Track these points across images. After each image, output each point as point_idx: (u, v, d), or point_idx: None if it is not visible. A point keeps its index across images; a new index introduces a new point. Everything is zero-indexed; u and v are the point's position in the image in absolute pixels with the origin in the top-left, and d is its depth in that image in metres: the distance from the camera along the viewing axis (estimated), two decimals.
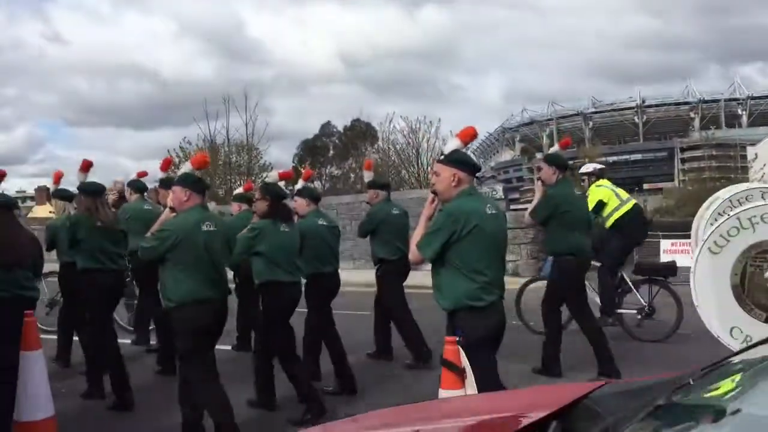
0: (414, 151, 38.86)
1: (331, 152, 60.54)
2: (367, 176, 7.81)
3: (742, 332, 3.51)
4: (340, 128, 60.76)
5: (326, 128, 61.33)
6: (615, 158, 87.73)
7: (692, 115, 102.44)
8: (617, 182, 10.99)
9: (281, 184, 6.35)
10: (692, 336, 6.92)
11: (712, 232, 3.59)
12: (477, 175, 4.23)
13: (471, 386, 3.16)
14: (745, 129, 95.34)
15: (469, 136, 4.02)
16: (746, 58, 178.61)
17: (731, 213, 3.55)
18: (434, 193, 3.93)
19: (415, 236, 3.86)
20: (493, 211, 3.87)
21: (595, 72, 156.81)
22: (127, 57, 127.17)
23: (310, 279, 6.13)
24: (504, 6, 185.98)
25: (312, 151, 59.04)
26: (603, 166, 9.12)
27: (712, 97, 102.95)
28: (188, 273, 4.50)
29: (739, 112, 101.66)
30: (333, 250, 6.38)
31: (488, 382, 3.62)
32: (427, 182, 35.52)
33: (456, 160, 3.88)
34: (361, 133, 56.54)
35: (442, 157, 3.96)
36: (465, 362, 3.26)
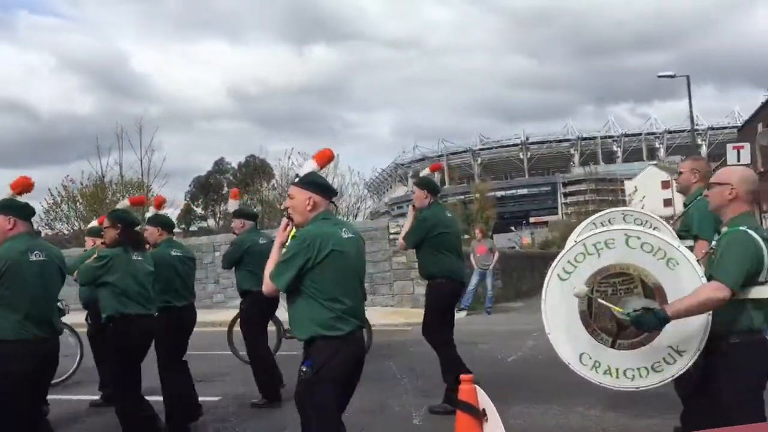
0: None
1: (225, 189, 59.11)
2: (233, 205, 7.61)
3: (591, 358, 3.52)
4: (235, 165, 59.57)
5: (220, 165, 59.99)
6: (503, 193, 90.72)
7: (572, 151, 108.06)
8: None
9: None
10: None
11: (560, 258, 3.58)
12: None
13: (493, 429, 2.85)
14: (620, 164, 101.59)
15: (325, 158, 3.84)
16: (617, 98, 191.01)
17: (578, 239, 3.64)
18: (289, 218, 3.71)
19: (269, 265, 3.61)
20: (350, 236, 3.66)
21: (481, 110, 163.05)
22: (1, 92, 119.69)
23: (160, 313, 5.67)
24: (390, 45, 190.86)
25: (205, 188, 57.47)
26: None
27: (590, 135, 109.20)
28: (11, 308, 3.99)
29: (614, 148, 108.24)
30: (186, 282, 5.99)
31: (325, 422, 3.47)
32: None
33: (311, 182, 3.66)
34: (256, 169, 55.52)
35: (297, 179, 3.76)
36: (484, 402, 2.95)
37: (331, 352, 3.44)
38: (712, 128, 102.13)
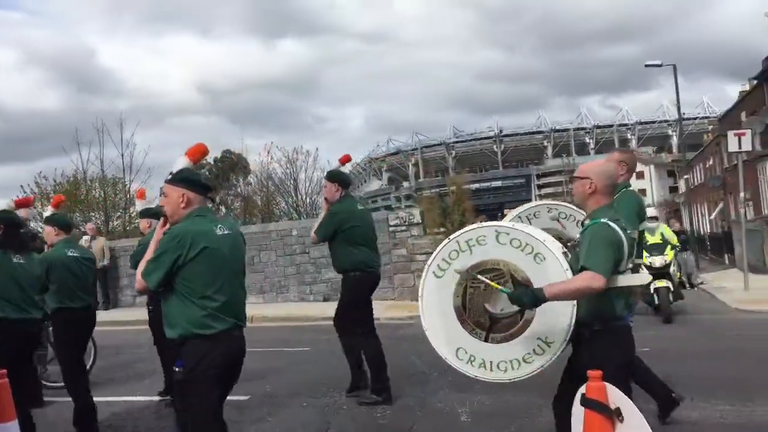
0: (292, 181, 38.09)
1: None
2: (140, 205, 7.54)
3: (466, 353, 3.66)
4: (210, 160, 58.62)
5: None
6: (478, 185, 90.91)
7: (545, 143, 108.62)
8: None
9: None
10: None
11: (435, 256, 3.71)
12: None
13: (631, 429, 2.58)
14: (593, 156, 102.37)
15: (199, 153, 3.85)
16: (588, 90, 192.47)
17: (451, 237, 3.73)
18: (164, 215, 3.69)
19: (142, 263, 3.53)
20: (226, 232, 3.61)
21: (454, 103, 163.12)
22: None
23: (56, 314, 5.57)
24: (361, 39, 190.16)
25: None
26: None
27: (563, 127, 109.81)
28: None
29: (587, 140, 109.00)
30: (83, 283, 5.78)
31: (200, 422, 3.43)
32: (308, 213, 34.98)
33: (184, 179, 3.61)
34: (233, 164, 54.80)
35: (170, 176, 3.66)
36: (618, 400, 2.67)
37: (204, 351, 3.41)
38: (682, 119, 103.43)
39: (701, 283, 16.02)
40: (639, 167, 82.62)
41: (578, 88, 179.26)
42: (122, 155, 27.33)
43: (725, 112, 36.41)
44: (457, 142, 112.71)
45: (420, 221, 14.55)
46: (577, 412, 2.84)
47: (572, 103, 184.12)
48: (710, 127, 66.55)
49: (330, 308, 6.76)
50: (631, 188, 5.06)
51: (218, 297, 3.46)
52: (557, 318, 3.42)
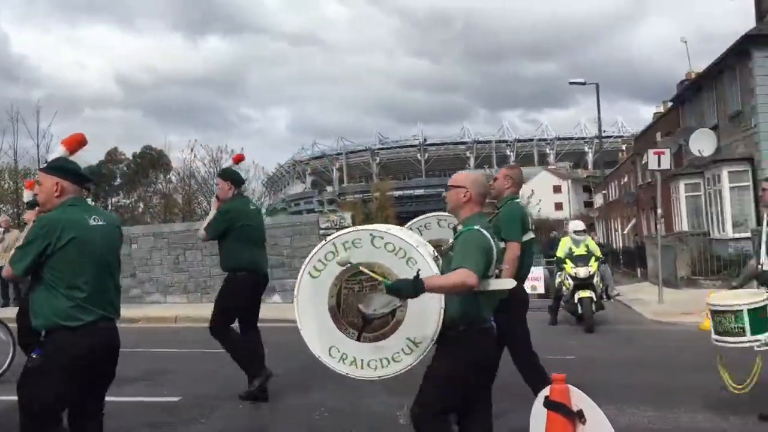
0: (215, 180, 37.30)
1: (118, 180, 56.38)
2: (27, 196, 7.24)
3: (339, 351, 3.82)
4: (129, 155, 56.90)
5: (113, 155, 57.03)
6: (401, 192, 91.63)
7: (468, 154, 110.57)
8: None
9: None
10: None
11: (312, 257, 3.84)
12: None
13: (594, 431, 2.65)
14: None
15: (75, 143, 3.80)
16: (510, 104, 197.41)
17: (328, 239, 3.86)
18: (38, 204, 3.77)
19: (15, 251, 3.55)
20: (100, 223, 3.62)
21: (379, 109, 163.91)
22: None
23: None
24: (287, 40, 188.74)
25: (96, 178, 54.48)
26: None
27: (485, 139, 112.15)
28: None
29: (508, 152, 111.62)
30: None
31: (37, 415, 3.35)
32: None
33: (59, 168, 3.62)
34: (153, 161, 53.29)
35: (45, 165, 3.76)
36: (581, 402, 2.74)
37: (66, 342, 3.37)
38: (597, 137, 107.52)
39: (617, 294, 16.63)
40: (557, 182, 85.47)
41: (501, 101, 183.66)
42: (38, 146, 26.14)
43: (641, 132, 38.01)
44: (381, 148, 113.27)
45: (351, 224, 14.57)
46: (539, 413, 2.89)
47: (495, 116, 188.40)
48: (624, 146, 69.29)
49: (261, 309, 6.62)
50: (517, 200, 5.31)
51: (86, 288, 3.42)
52: (426, 320, 3.54)
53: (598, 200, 47.92)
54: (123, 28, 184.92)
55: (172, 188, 44.79)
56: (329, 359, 3.82)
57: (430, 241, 4.21)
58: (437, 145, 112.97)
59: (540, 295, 15.41)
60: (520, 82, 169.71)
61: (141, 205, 53.31)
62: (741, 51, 19.03)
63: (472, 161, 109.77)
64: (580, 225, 12.56)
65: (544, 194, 68.13)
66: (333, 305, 3.77)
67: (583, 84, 25.25)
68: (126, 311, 13.75)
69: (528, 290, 14.90)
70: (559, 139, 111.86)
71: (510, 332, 5.03)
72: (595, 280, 11.49)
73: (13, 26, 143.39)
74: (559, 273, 12.38)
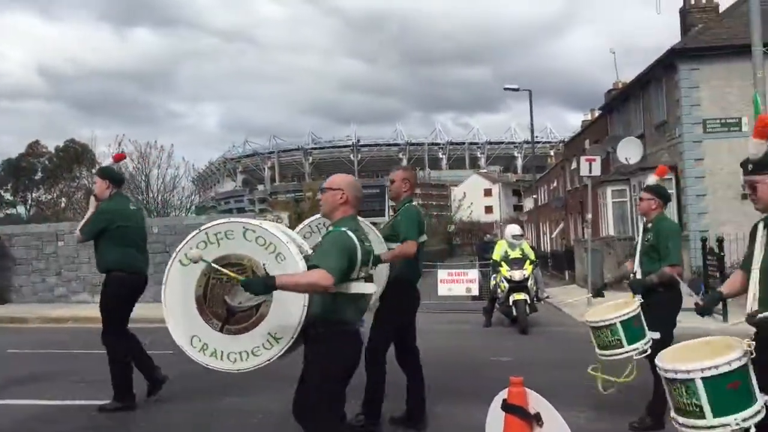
0: (144, 177, 36.29)
1: (39, 175, 54.15)
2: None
3: (200, 341, 3.83)
4: (52, 149, 54.74)
5: (34, 147, 54.75)
6: None
7: (401, 156, 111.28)
8: None
9: None
10: None
11: (183, 245, 3.87)
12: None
13: None
14: (445, 171, 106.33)
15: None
16: (443, 107, 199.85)
17: (201, 228, 3.89)
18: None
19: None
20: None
21: (313, 109, 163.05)
22: None
23: None
24: (220, 36, 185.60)
25: (16, 172, 52.26)
26: None
27: (418, 141, 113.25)
28: None
29: (440, 155, 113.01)
30: None
31: None
32: (159, 211, 33.50)
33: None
34: (77, 155, 51.39)
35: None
36: (538, 405, 2.77)
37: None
38: (527, 142, 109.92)
39: (547, 297, 17.04)
40: (487, 185, 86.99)
41: (434, 104, 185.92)
42: None
43: (570, 139, 39.09)
44: (314, 148, 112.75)
45: (288, 224, 14.39)
46: (497, 416, 2.92)
47: (428, 119, 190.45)
48: (553, 151, 71.09)
49: None
50: (413, 203, 5.47)
51: None
52: (289, 316, 3.59)
53: (528, 204, 49.00)
54: (46, 17, 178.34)
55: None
56: (190, 348, 3.84)
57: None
58: (370, 146, 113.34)
59: (474, 297, 15.61)
60: (453, 85, 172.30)
61: (63, 200, 51.36)
62: (667, 64, 19.81)
63: (404, 163, 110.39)
64: (517, 230, 12.80)
65: (475, 197, 69.37)
66: (200, 295, 3.80)
67: (517, 90, 25.79)
68: (52, 311, 13.49)
69: (463, 292, 15.23)
70: (490, 143, 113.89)
71: (381, 327, 5.28)
72: (530, 283, 11.74)
73: None
74: (494, 275, 12.58)
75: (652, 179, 6.14)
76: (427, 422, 5.47)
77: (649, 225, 5.74)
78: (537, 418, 2.81)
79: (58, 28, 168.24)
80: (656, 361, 3.03)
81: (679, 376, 2.93)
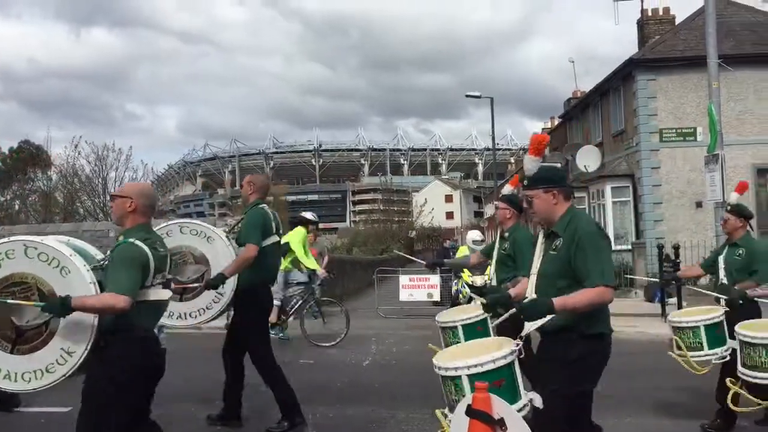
0: (101, 180, 35.57)
1: None
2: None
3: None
4: (5, 150, 53.27)
5: None
6: (294, 198, 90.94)
7: (363, 161, 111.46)
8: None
9: None
10: None
11: None
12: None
13: None
14: (407, 177, 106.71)
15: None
16: (405, 113, 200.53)
17: None
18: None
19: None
20: None
21: (274, 113, 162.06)
22: None
23: None
24: (179, 38, 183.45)
25: None
26: None
27: (380, 146, 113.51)
28: None
29: (402, 161, 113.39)
30: None
31: None
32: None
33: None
34: (30, 156, 50.11)
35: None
36: (502, 411, 2.76)
37: None
38: (488, 149, 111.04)
39: None
40: (448, 191, 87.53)
41: (395, 110, 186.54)
42: None
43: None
44: (276, 152, 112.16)
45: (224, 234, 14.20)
46: (460, 421, 2.90)
47: (390, 124, 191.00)
48: (513, 158, 71.79)
49: None
50: (261, 206, 5.52)
51: None
52: (80, 330, 3.55)
53: (489, 210, 49.43)
54: (2, 13, 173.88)
55: (52, 186, 42.34)
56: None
57: (173, 248, 4.46)
58: (332, 151, 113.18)
59: (436, 303, 15.64)
60: (415, 92, 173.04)
61: (17, 203, 50.05)
62: (626, 74, 20.19)
63: (366, 168, 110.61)
64: (478, 235, 12.87)
65: (436, 203, 69.62)
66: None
67: (479, 97, 26.03)
68: None
69: (424, 297, 15.26)
70: (451, 149, 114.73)
71: (245, 336, 5.45)
72: None
73: None
74: (455, 281, 12.63)
75: (507, 189, 6.26)
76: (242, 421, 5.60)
77: (506, 234, 5.80)
78: (501, 424, 2.79)
79: (13, 27, 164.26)
80: (433, 359, 3.13)
81: (448, 373, 3.04)
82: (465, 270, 11.95)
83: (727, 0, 20.41)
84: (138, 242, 3.57)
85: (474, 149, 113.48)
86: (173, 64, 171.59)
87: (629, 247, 19.29)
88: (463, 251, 12.47)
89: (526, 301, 3.23)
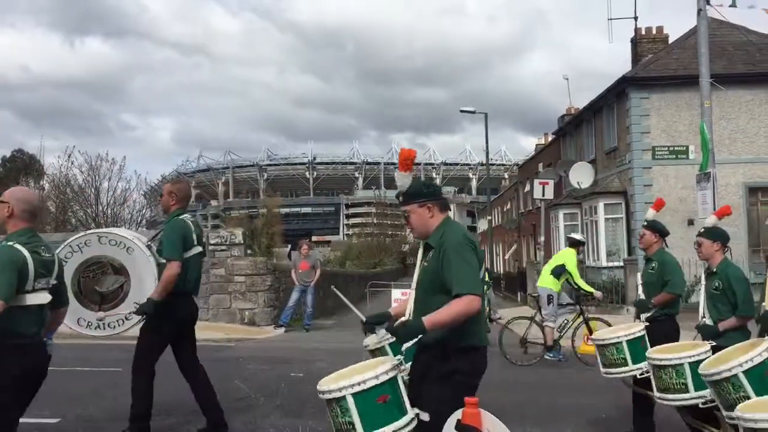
0: (94, 190, 35.47)
1: None
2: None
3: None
4: None
5: None
6: (288, 210, 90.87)
7: (357, 174, 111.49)
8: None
9: None
10: None
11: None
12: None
13: None
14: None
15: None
16: (399, 127, 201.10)
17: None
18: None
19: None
20: None
21: (268, 125, 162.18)
22: None
23: None
24: (174, 48, 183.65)
25: None
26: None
27: (374, 160, 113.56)
28: None
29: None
30: None
31: None
32: (108, 224, 32.81)
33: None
34: (22, 165, 49.99)
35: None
36: (492, 426, 2.77)
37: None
38: (482, 164, 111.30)
39: (499, 318, 17.16)
40: None
41: (390, 124, 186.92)
42: None
43: (524, 162, 39.70)
44: (270, 165, 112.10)
45: (242, 242, 14.23)
46: None
47: (384, 138, 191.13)
48: (507, 174, 72.00)
49: None
50: (181, 216, 5.43)
51: None
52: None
53: (483, 225, 49.49)
54: None
55: (44, 195, 42.21)
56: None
57: (90, 258, 5.20)
58: (326, 164, 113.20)
59: None
60: (410, 106, 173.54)
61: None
62: (619, 91, 20.34)
63: (360, 182, 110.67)
64: None
65: None
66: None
67: (473, 113, 26.14)
68: None
69: None
70: (445, 164, 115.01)
71: (144, 336, 5.29)
72: (484, 303, 11.80)
73: None
74: None
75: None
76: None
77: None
78: None
79: (7, 35, 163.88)
80: (318, 385, 3.03)
81: (333, 395, 2.92)
82: None
83: (720, 20, 20.63)
84: (17, 245, 3.60)
85: (468, 164, 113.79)
86: (168, 75, 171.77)
87: (621, 263, 19.35)
88: None
89: (397, 323, 3.19)
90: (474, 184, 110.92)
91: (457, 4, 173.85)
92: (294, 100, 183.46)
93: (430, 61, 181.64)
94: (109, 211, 34.50)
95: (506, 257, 41.01)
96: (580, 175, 21.15)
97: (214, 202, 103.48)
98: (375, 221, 71.25)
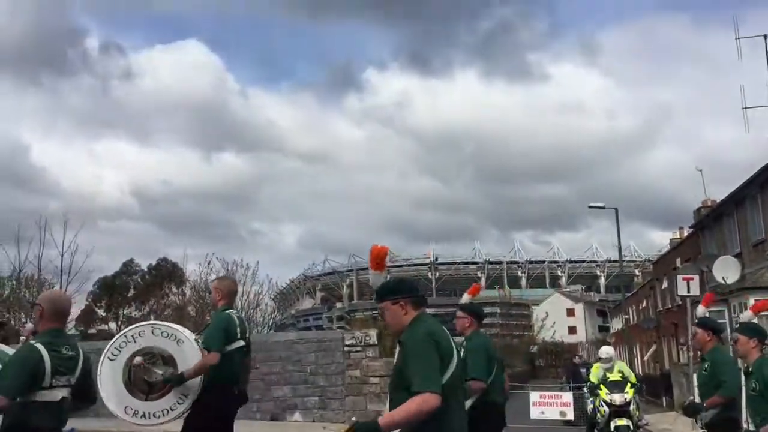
0: None
1: (132, 292, 56.24)
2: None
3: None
4: (144, 267, 57.11)
5: (129, 266, 57.27)
6: None
7: (479, 274, 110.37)
8: None
9: None
10: None
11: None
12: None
13: None
14: (525, 290, 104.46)
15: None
16: (521, 225, 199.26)
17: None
18: None
19: None
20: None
21: (390, 228, 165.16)
22: None
23: None
24: (300, 158, 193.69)
25: (110, 289, 54.50)
26: None
27: (496, 259, 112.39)
28: None
29: (519, 273, 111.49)
30: None
31: None
32: None
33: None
34: (167, 272, 53.36)
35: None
36: None
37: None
38: (610, 260, 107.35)
39: (646, 424, 16.07)
40: (570, 305, 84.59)
41: (511, 222, 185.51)
42: (62, 255, 26.45)
43: (659, 258, 38.01)
44: (392, 266, 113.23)
45: (376, 342, 14.31)
46: None
47: (506, 237, 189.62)
48: (638, 270, 69.00)
49: (278, 428, 6.54)
50: (227, 311, 5.62)
51: None
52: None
53: (616, 324, 47.24)
54: (140, 142, 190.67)
55: (186, 300, 44.55)
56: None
57: (143, 348, 5.44)
58: (448, 264, 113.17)
59: (569, 422, 14.87)
60: (532, 203, 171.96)
61: (152, 317, 52.89)
62: (762, 181, 19.34)
63: (483, 281, 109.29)
64: (609, 351, 12.28)
65: (557, 317, 67.32)
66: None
67: (603, 208, 25.59)
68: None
69: (557, 416, 14.55)
70: (570, 261, 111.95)
71: (186, 427, 5.43)
72: (632, 407, 11.12)
73: (35, 138, 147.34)
74: (591, 399, 12.02)
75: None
76: None
77: (464, 342, 5.88)
78: None
79: (151, 154, 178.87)
80: None
81: None
82: (602, 387, 11.38)
83: None
84: (37, 345, 3.80)
85: (595, 261, 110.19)
86: (295, 184, 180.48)
87: None
88: (598, 368, 11.93)
89: (359, 423, 3.16)
90: (602, 281, 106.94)
91: (575, 100, 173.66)
92: (414, 202, 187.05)
93: (551, 157, 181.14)
94: (244, 315, 35.84)
95: (645, 358, 38.69)
96: (725, 270, 19.89)
97: (339, 304, 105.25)
98: (500, 321, 69.70)
